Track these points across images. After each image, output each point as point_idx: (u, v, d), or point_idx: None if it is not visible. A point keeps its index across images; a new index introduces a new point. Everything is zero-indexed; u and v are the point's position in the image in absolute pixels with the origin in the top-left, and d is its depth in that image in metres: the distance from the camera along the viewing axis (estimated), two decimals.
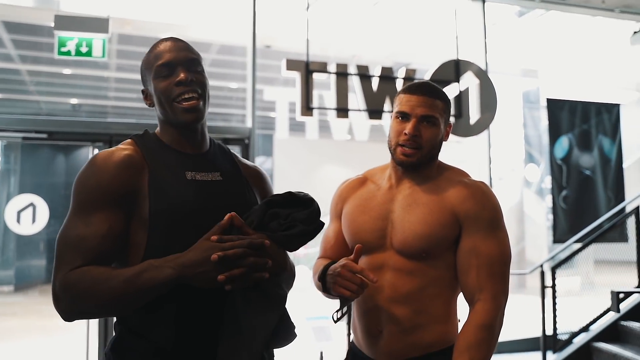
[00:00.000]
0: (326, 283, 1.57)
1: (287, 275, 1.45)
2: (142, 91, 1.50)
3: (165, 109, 1.40)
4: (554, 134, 5.98)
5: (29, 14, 6.45)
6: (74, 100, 10.32)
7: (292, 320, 1.48)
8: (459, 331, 1.67)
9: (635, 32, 4.95)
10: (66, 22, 4.42)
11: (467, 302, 1.60)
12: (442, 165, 1.72)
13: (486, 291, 1.55)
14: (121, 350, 1.34)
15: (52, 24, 4.43)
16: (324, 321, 4.51)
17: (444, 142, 1.71)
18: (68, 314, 1.27)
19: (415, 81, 1.71)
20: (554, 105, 6.04)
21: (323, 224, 1.39)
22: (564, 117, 6.03)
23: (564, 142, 5.98)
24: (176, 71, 1.39)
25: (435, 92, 1.65)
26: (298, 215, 1.35)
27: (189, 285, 1.26)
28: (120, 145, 1.41)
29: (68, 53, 4.42)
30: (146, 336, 1.32)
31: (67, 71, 8.80)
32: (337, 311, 1.58)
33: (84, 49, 4.42)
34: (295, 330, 1.48)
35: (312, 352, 4.82)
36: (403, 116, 1.63)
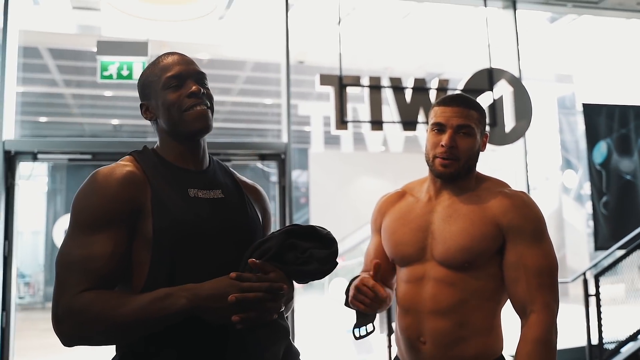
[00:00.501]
0: (348, 297, 1.59)
1: (289, 305, 1.44)
2: (142, 105, 1.45)
3: (175, 119, 1.36)
4: (592, 139, 5.85)
5: (72, 40, 6.65)
6: (114, 121, 10.57)
7: (296, 347, 1.47)
8: (503, 343, 1.63)
9: None
10: (108, 47, 4.53)
11: (518, 313, 1.57)
12: (480, 176, 1.70)
13: (538, 302, 1.51)
14: None
15: (94, 49, 4.56)
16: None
17: (481, 152, 1.69)
18: (69, 338, 1.21)
19: (449, 94, 1.70)
20: (590, 110, 5.91)
21: (337, 264, 1.35)
22: (601, 122, 5.89)
23: (602, 147, 5.84)
24: (186, 83, 1.37)
25: (470, 102, 1.64)
26: (317, 253, 1.31)
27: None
28: (120, 162, 1.37)
29: (110, 77, 4.52)
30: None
31: (108, 93, 9.03)
32: (357, 328, 1.57)
33: (125, 72, 4.51)
34: (301, 357, 1.47)
35: None
36: (439, 128, 1.62)
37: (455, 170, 1.61)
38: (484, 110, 1.67)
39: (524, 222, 1.56)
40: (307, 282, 1.38)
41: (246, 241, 1.35)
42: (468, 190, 1.65)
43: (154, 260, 1.27)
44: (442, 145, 1.59)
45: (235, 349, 1.27)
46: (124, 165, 1.34)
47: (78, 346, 1.24)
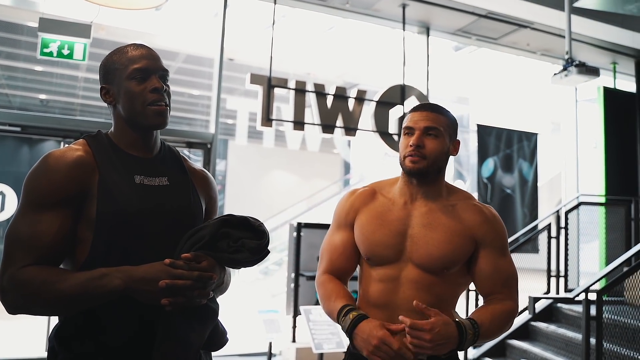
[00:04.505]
0: (353, 339, 1.49)
1: (222, 287, 1.44)
2: (102, 88, 1.40)
3: (136, 110, 1.34)
4: (482, 155, 6.19)
5: (6, 12, 6.14)
6: (42, 96, 9.89)
7: (224, 327, 1.47)
8: None
9: (555, 74, 5.19)
10: (50, 25, 4.22)
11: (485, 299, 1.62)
12: (450, 187, 1.69)
13: (506, 292, 1.59)
14: (64, 338, 1.29)
15: (30, 24, 4.25)
16: (274, 314, 4.50)
17: (452, 157, 1.70)
18: (13, 308, 1.22)
19: (423, 102, 1.71)
20: (483, 131, 6.26)
21: (268, 253, 1.35)
22: (491, 141, 6.25)
23: (490, 164, 6.20)
24: (150, 78, 1.35)
25: (439, 109, 1.64)
26: (248, 243, 1.31)
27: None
28: (72, 145, 1.34)
29: (50, 54, 4.22)
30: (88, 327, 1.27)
31: (38, 68, 8.44)
32: None
33: (65, 52, 4.23)
34: (227, 336, 1.48)
35: (263, 342, 4.80)
36: (409, 131, 1.62)
37: (423, 167, 1.58)
38: (454, 118, 1.68)
39: (496, 234, 1.61)
40: (238, 269, 1.37)
41: (186, 228, 1.34)
42: (441, 197, 1.64)
43: (94, 240, 1.26)
44: (410, 145, 1.59)
45: (164, 328, 1.27)
46: (75, 150, 1.31)
47: (22, 314, 1.24)
